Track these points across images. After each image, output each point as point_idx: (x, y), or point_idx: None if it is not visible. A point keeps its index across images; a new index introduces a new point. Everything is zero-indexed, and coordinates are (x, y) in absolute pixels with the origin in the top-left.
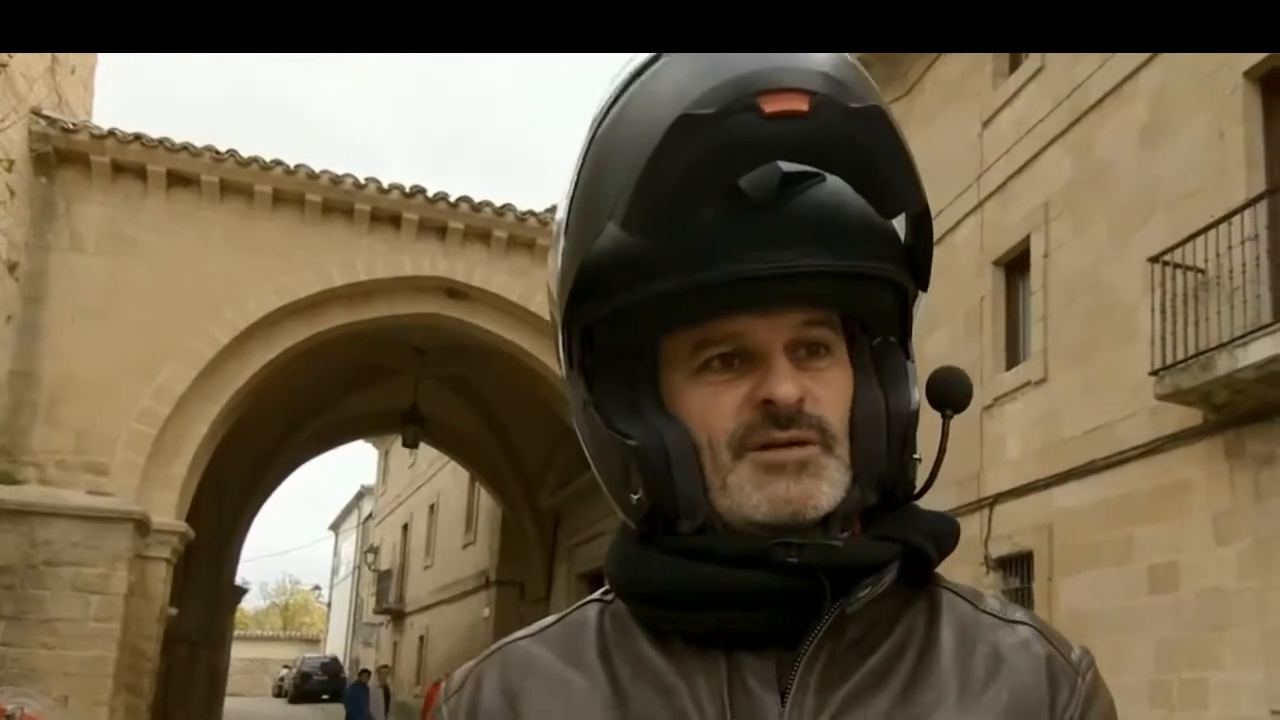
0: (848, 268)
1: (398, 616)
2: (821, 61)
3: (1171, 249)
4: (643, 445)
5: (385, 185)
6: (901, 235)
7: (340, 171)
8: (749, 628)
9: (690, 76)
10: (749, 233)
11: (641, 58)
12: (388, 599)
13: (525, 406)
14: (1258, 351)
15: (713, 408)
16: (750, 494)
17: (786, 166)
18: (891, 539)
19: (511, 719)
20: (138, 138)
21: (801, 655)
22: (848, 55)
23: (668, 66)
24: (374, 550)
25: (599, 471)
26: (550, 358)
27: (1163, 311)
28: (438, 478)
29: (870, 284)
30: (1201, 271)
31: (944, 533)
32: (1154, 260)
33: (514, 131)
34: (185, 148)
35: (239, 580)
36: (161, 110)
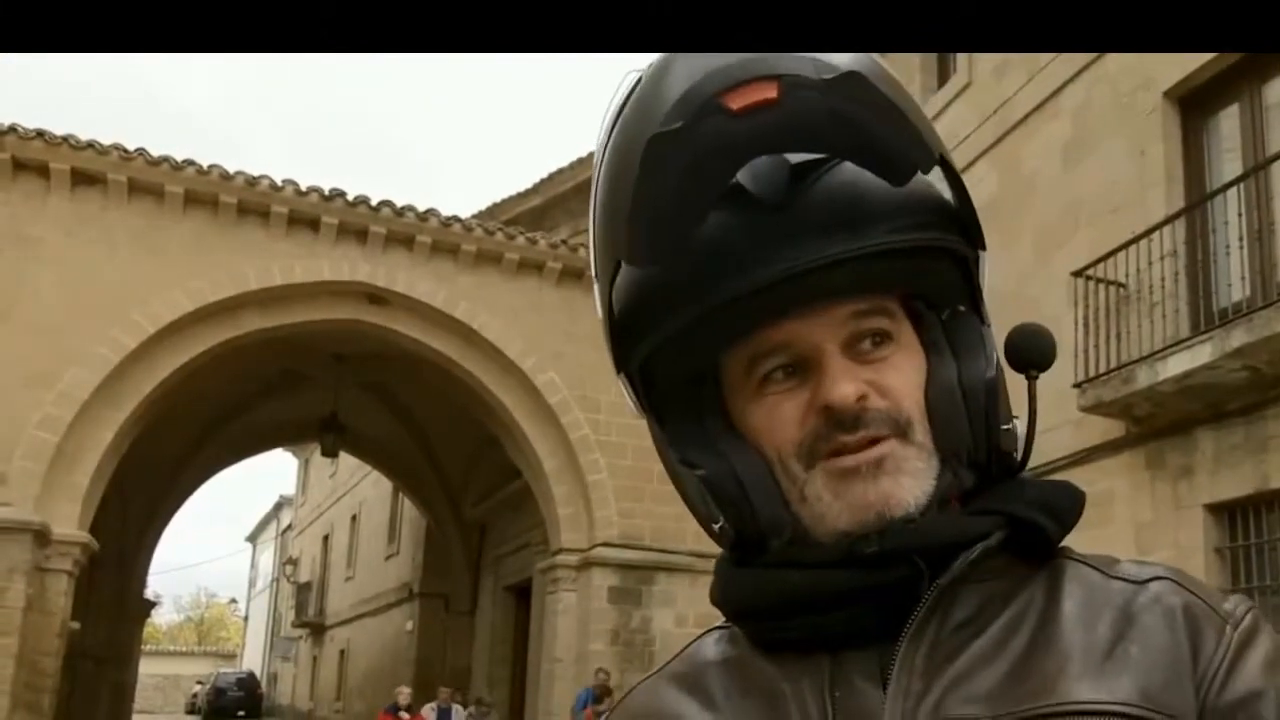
0: (874, 248)
1: (318, 630)
2: (783, 51)
3: (1094, 264)
4: (712, 474)
5: (303, 188)
6: (935, 194)
7: (255, 172)
8: (849, 628)
9: (659, 93)
10: (767, 234)
11: (624, 86)
12: (307, 612)
13: (449, 415)
14: (1176, 365)
15: (775, 421)
16: (830, 503)
17: (793, 158)
18: (990, 512)
19: None
20: (40, 134)
21: (903, 639)
22: None
23: (643, 88)
24: (293, 562)
25: (687, 506)
26: (474, 363)
27: (1085, 325)
28: (360, 488)
29: (910, 258)
30: (1123, 286)
31: (1060, 502)
32: (1077, 275)
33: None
34: (91, 145)
35: (149, 593)
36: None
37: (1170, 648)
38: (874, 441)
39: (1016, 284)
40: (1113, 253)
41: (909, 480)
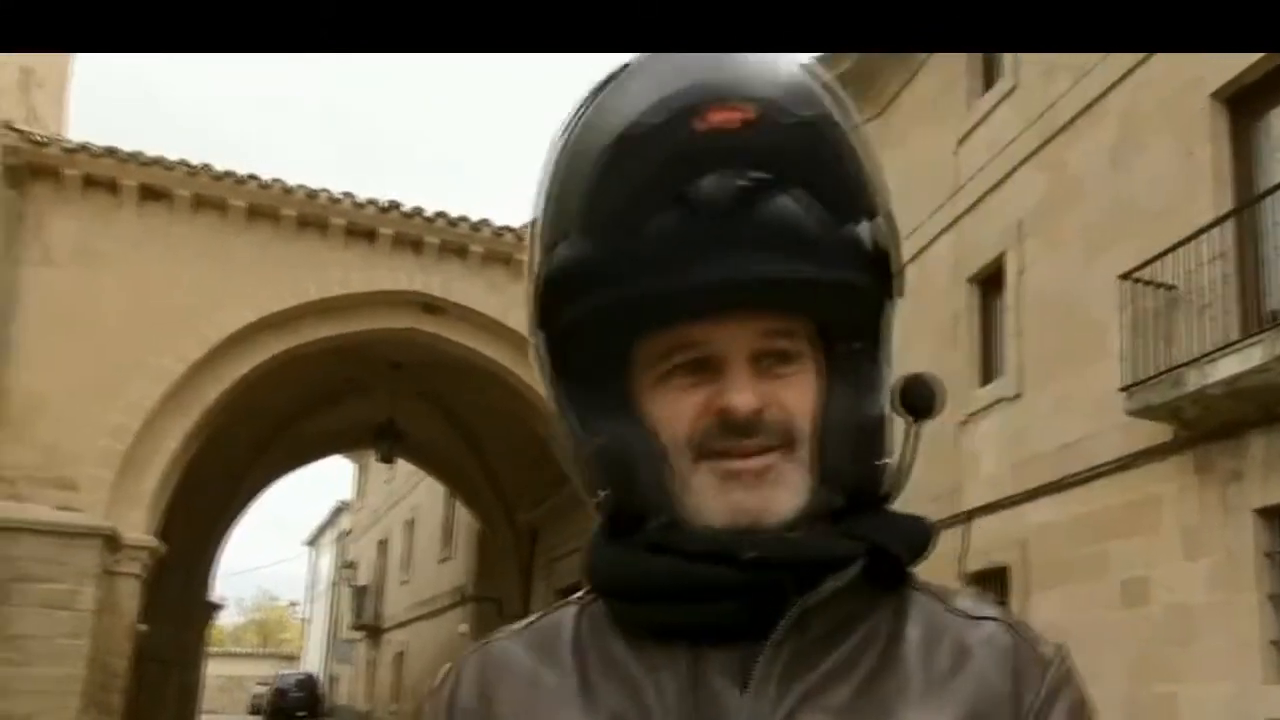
0: (797, 274)
1: (375, 633)
2: (775, 70)
3: (1141, 266)
4: (607, 445)
5: (361, 200)
6: (871, 241)
7: (315, 186)
8: (713, 621)
9: (641, 92)
10: (704, 241)
11: (608, 71)
12: (365, 615)
13: (502, 422)
14: (1226, 368)
15: (673, 412)
16: (710, 499)
17: (741, 177)
18: (857, 537)
19: (485, 716)
20: (110, 151)
21: (766, 648)
22: (811, 65)
23: (626, 80)
24: (351, 566)
25: (572, 473)
26: (527, 371)
27: (1133, 328)
28: (415, 493)
29: (831, 291)
30: (1171, 289)
31: (916, 535)
32: (1124, 277)
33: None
34: (158, 161)
35: (214, 596)
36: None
37: (997, 685)
38: (763, 450)
39: (1064, 287)
40: (1161, 255)
41: (786, 493)
